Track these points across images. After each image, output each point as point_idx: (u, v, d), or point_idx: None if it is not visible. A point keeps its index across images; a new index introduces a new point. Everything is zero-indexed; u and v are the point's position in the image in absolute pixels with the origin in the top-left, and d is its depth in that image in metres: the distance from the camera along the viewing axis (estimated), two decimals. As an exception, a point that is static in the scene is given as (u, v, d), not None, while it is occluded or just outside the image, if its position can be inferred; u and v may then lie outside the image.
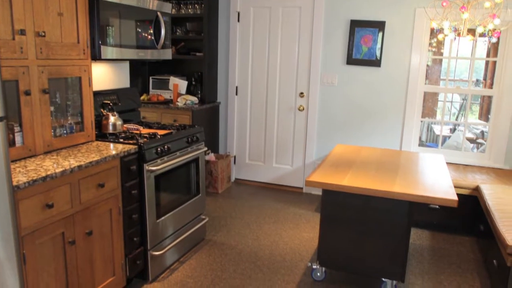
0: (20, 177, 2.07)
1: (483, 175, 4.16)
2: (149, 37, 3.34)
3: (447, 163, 4.51)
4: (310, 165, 5.16)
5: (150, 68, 5.50)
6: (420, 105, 4.72)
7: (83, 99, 2.85)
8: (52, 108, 2.63)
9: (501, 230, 2.93)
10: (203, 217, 3.76)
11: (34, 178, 2.08)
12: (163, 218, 3.15)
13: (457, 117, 7.62)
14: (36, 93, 2.45)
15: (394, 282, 2.97)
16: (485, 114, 6.98)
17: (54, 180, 2.20)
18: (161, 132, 3.27)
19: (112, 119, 3.13)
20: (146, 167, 2.88)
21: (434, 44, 5.99)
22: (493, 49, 5.20)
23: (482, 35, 3.48)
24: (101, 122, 3.13)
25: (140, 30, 3.23)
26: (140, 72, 5.37)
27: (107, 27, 2.90)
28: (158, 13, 3.36)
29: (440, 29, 3.52)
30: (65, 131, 2.76)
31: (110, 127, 3.12)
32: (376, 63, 4.67)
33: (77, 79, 2.80)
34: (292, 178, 5.32)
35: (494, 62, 4.55)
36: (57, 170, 2.22)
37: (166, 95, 5.21)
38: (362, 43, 4.67)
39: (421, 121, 4.84)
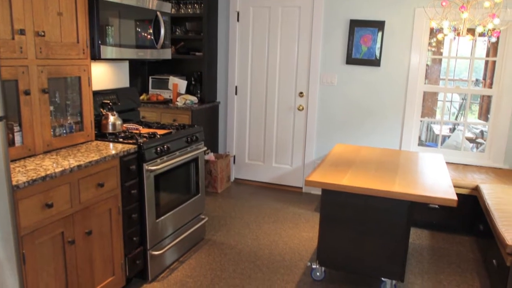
0: (19, 177, 2.07)
1: (483, 175, 4.16)
2: (149, 36, 3.34)
3: (446, 162, 4.51)
4: (309, 165, 5.16)
5: (150, 67, 5.50)
6: (420, 105, 4.73)
7: (82, 98, 2.84)
8: (51, 108, 2.63)
9: (500, 230, 2.93)
10: (203, 216, 3.76)
11: (34, 177, 2.08)
12: (162, 217, 3.14)
13: (456, 116, 7.63)
14: (36, 92, 2.45)
15: (394, 281, 2.98)
16: (484, 113, 6.99)
17: (53, 179, 2.20)
18: (160, 131, 3.27)
19: (111, 118, 3.13)
20: (146, 166, 2.88)
21: (434, 44, 5.99)
22: (493, 49, 5.20)
23: (481, 34, 3.48)
24: (100, 121, 3.13)
25: (139, 30, 3.23)
26: (140, 71, 5.37)
27: (107, 27, 2.90)
28: (158, 13, 3.36)
29: (440, 28, 3.52)
30: (64, 131, 2.76)
31: (110, 127, 3.12)
32: (376, 62, 4.67)
33: (76, 78, 2.80)
34: (292, 177, 5.32)
35: (494, 62, 4.56)
36: (56, 170, 2.21)
37: (165, 94, 5.21)
38: (361, 42, 4.67)
39: (421, 121, 4.84)
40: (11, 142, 2.34)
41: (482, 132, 6.60)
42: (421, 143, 5.94)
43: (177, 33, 5.25)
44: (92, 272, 2.58)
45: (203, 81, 5.19)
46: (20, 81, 2.34)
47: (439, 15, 3.76)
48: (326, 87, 4.95)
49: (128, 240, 2.85)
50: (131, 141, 2.92)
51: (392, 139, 4.79)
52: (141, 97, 5.12)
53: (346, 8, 4.70)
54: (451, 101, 7.76)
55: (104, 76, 3.45)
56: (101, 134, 3.09)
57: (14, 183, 1.97)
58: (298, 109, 5.10)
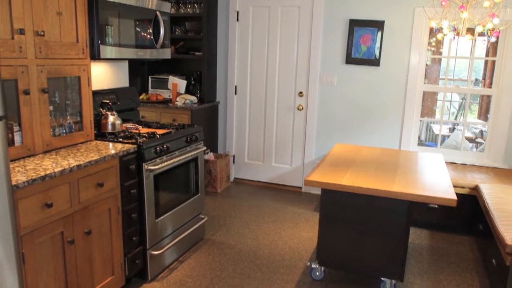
0: (19, 177, 2.06)
1: (482, 175, 4.17)
2: (148, 36, 3.34)
3: (446, 162, 4.51)
4: (309, 165, 5.16)
5: (149, 67, 5.50)
6: (419, 105, 4.73)
7: (82, 98, 2.84)
8: (51, 108, 2.63)
9: (500, 230, 2.93)
10: (202, 216, 3.76)
11: (33, 177, 2.08)
12: (162, 217, 3.14)
13: (456, 116, 7.63)
14: (35, 92, 2.45)
15: (393, 281, 2.98)
16: (484, 113, 6.99)
17: (53, 179, 2.20)
18: (160, 131, 3.27)
19: (111, 118, 3.13)
20: (145, 166, 2.88)
21: (433, 44, 5.99)
22: (492, 49, 5.20)
23: (481, 34, 3.48)
24: (100, 121, 3.13)
25: (139, 30, 3.23)
26: (139, 71, 5.37)
27: (106, 27, 2.89)
28: (157, 13, 3.35)
29: (439, 28, 3.52)
30: (64, 131, 2.75)
31: (109, 127, 3.12)
32: (375, 62, 4.67)
33: (76, 78, 2.80)
34: (291, 177, 5.32)
35: (493, 62, 4.56)
36: (56, 170, 2.21)
37: (165, 94, 5.21)
38: (361, 42, 4.67)
39: (420, 121, 4.84)
40: (10, 142, 2.34)
41: (481, 131, 6.61)
42: (420, 143, 5.94)
43: (176, 32, 5.25)
44: (91, 272, 2.58)
45: (203, 80, 5.19)
46: (19, 80, 2.34)
47: (438, 15, 3.76)
48: (325, 86, 4.95)
49: (127, 240, 2.85)
50: (130, 141, 2.92)
51: (392, 139, 4.79)
52: (141, 97, 5.12)
53: (346, 7, 4.70)
54: (450, 101, 7.77)
55: (103, 75, 3.45)
56: (101, 134, 3.09)
57: (13, 182, 1.97)
58: (298, 109, 5.10)
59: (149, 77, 5.35)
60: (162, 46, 3.47)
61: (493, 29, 3.38)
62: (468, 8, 3.28)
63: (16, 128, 2.36)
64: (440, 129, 5.00)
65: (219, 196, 4.95)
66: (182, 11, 5.17)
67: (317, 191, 5.11)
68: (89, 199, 2.48)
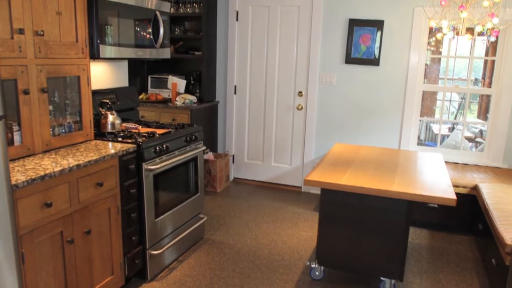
0: (18, 176, 2.06)
1: (482, 174, 4.17)
2: (148, 36, 3.34)
3: (445, 162, 4.51)
4: (308, 164, 5.16)
5: (149, 67, 5.50)
6: (419, 104, 4.73)
7: (81, 98, 2.84)
8: (50, 107, 2.63)
9: (499, 229, 2.93)
10: (202, 216, 3.77)
11: (33, 177, 2.08)
12: (161, 217, 3.14)
13: (455, 116, 7.63)
14: (35, 92, 2.45)
15: (393, 281, 2.98)
16: (483, 113, 6.99)
17: (52, 179, 2.20)
18: (159, 131, 3.27)
19: (110, 118, 3.13)
20: (145, 166, 2.88)
21: (433, 43, 5.99)
22: (492, 48, 5.20)
23: (480, 34, 3.48)
24: (99, 121, 3.13)
25: (138, 29, 3.23)
26: (139, 71, 5.37)
27: (106, 26, 2.89)
28: (157, 12, 3.35)
29: (439, 28, 3.52)
30: (63, 130, 2.75)
31: (109, 126, 3.12)
32: (375, 62, 4.67)
33: (75, 78, 2.80)
34: (291, 177, 5.32)
35: (493, 61, 4.56)
36: (55, 169, 2.21)
37: (164, 94, 5.21)
38: (360, 42, 4.67)
39: (420, 120, 4.84)
40: (10, 142, 2.34)
41: (481, 131, 6.61)
42: (420, 143, 5.95)
43: (176, 32, 5.24)
44: (91, 272, 2.58)
45: (202, 80, 5.19)
46: (19, 80, 2.34)
47: (438, 15, 3.76)
48: (325, 86, 4.95)
49: (127, 240, 2.85)
50: (130, 141, 2.92)
51: (391, 138, 4.80)
52: (140, 97, 5.12)
53: (345, 7, 4.70)
54: (450, 101, 7.77)
55: (103, 75, 3.45)
56: (100, 133, 3.09)
57: (13, 182, 1.97)
58: (297, 109, 5.11)
59: (149, 76, 5.35)
60: (162, 46, 3.47)
61: (492, 28, 3.38)
62: (467, 7, 3.28)
63: (15, 127, 2.36)
64: (439, 129, 5.00)
65: (218, 196, 4.95)
66: (181, 10, 5.17)
67: (317, 190, 5.12)
68: (89, 199, 2.48)
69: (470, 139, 6.53)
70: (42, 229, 2.18)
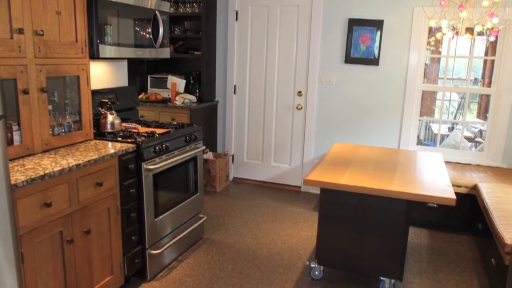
0: (18, 176, 2.06)
1: (481, 174, 4.17)
2: (147, 35, 3.33)
3: (445, 161, 4.52)
4: (308, 164, 5.17)
5: (148, 66, 5.50)
6: (418, 104, 4.73)
7: (81, 98, 2.84)
8: (50, 107, 2.63)
9: (499, 229, 2.93)
10: (201, 215, 3.77)
11: (32, 177, 2.07)
12: (161, 216, 3.14)
13: (455, 115, 7.64)
14: (34, 92, 2.45)
15: (392, 280, 2.98)
16: (483, 112, 7.00)
17: (52, 179, 2.20)
18: (159, 131, 3.27)
19: (110, 118, 3.13)
20: (144, 165, 2.88)
21: (432, 43, 5.99)
22: (491, 48, 5.20)
23: (480, 33, 3.48)
24: (99, 121, 3.13)
25: (138, 29, 3.23)
26: (138, 70, 5.36)
27: (105, 26, 2.89)
28: (156, 12, 3.35)
29: (438, 27, 3.52)
30: (63, 130, 2.75)
31: (108, 126, 3.12)
32: (374, 62, 4.67)
33: (75, 78, 2.80)
34: (290, 177, 5.32)
35: (492, 61, 4.56)
36: (55, 169, 2.21)
37: (164, 93, 5.21)
38: (360, 42, 4.68)
39: (419, 120, 4.84)
40: (9, 141, 2.34)
41: (480, 131, 6.61)
42: (419, 142, 5.95)
43: (175, 32, 5.24)
44: (90, 271, 2.58)
45: (202, 80, 5.19)
46: (18, 80, 2.34)
47: (437, 14, 3.76)
48: (324, 86, 4.95)
49: (126, 239, 2.85)
50: (129, 140, 2.92)
51: (391, 138, 4.80)
52: (140, 96, 5.12)
53: (345, 7, 4.70)
54: (449, 100, 7.78)
55: (102, 75, 3.45)
56: (100, 133, 3.09)
57: (12, 182, 1.97)
58: (297, 108, 5.11)
59: (148, 76, 5.35)
60: (161, 46, 3.47)
61: (492, 28, 3.38)
62: (467, 7, 3.28)
63: (15, 127, 2.36)
64: (439, 129, 5.00)
65: (218, 196, 4.95)
66: (181, 10, 5.17)
67: (316, 190, 5.12)
68: (88, 199, 2.48)
69: (469, 139, 6.53)
70: (42, 229, 2.18)
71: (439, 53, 6.27)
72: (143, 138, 2.98)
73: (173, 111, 4.89)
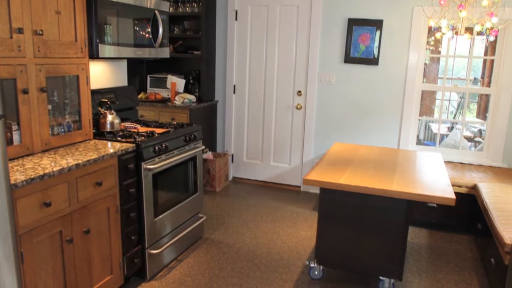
0: (17, 176, 2.06)
1: (481, 174, 4.17)
2: (147, 35, 3.33)
3: (444, 161, 4.52)
4: (307, 164, 5.17)
5: (148, 66, 5.50)
6: (418, 104, 4.73)
7: (80, 97, 2.84)
8: (49, 107, 2.63)
9: (498, 229, 2.94)
10: (201, 215, 3.77)
11: (32, 176, 2.07)
12: (160, 216, 3.14)
13: (455, 115, 7.64)
14: (34, 91, 2.44)
15: (392, 280, 2.98)
16: (482, 112, 7.00)
17: (51, 178, 2.20)
18: (158, 130, 3.27)
19: (109, 117, 3.13)
20: (144, 165, 2.88)
21: (432, 43, 6.00)
22: (491, 48, 5.20)
23: (479, 33, 3.49)
24: (98, 120, 3.13)
25: (137, 29, 3.22)
26: (138, 70, 5.36)
27: (105, 26, 2.89)
28: (156, 12, 3.35)
29: (438, 27, 3.52)
30: (62, 130, 2.75)
31: (108, 126, 3.12)
32: (374, 61, 4.67)
33: (74, 77, 2.80)
34: (290, 176, 5.32)
35: (492, 61, 4.56)
36: (54, 169, 2.21)
37: (163, 93, 5.21)
38: (359, 41, 4.68)
39: (419, 120, 4.84)
40: (9, 141, 2.34)
41: (480, 131, 6.62)
42: (419, 142, 5.95)
43: (175, 31, 5.24)
44: (90, 271, 2.58)
45: (201, 80, 5.19)
46: (18, 80, 2.34)
47: (437, 14, 3.76)
48: (324, 86, 4.95)
49: (126, 239, 2.84)
50: (129, 140, 2.92)
51: (390, 138, 4.80)
52: (139, 96, 5.11)
53: (344, 7, 4.70)
54: (449, 100, 7.78)
55: (102, 74, 3.45)
56: (99, 133, 3.09)
57: (12, 182, 1.97)
58: (296, 108, 5.11)
59: (148, 76, 5.35)
60: (161, 45, 3.47)
61: (491, 28, 3.38)
62: (466, 7, 3.28)
63: (14, 127, 2.36)
64: (438, 128, 5.00)
65: (217, 195, 4.95)
66: (180, 10, 5.17)
67: (316, 190, 5.12)
68: (88, 198, 2.48)
69: (469, 139, 6.54)
70: (41, 229, 2.18)
71: (439, 52, 6.28)
72: (143, 138, 2.98)
73: (173, 110, 4.89)
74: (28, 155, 2.45)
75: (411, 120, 4.68)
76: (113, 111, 3.18)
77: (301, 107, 5.08)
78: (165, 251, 3.24)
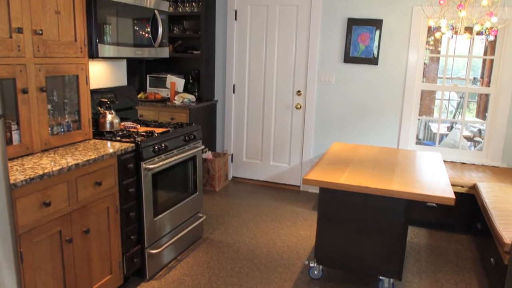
0: (17, 175, 2.06)
1: (480, 173, 4.17)
2: (147, 35, 3.33)
3: (444, 161, 4.52)
4: (307, 163, 5.17)
5: (147, 66, 5.49)
6: (418, 103, 4.73)
7: (80, 97, 2.84)
8: (49, 106, 2.63)
9: (498, 228, 2.94)
10: (201, 215, 3.76)
11: (32, 176, 2.07)
12: (160, 216, 3.14)
13: (454, 115, 7.64)
14: (33, 91, 2.44)
15: (391, 280, 2.98)
16: (482, 112, 7.00)
17: (51, 178, 2.20)
18: (158, 130, 3.26)
19: (109, 117, 3.13)
20: (143, 165, 2.88)
21: (432, 42, 6.00)
22: (490, 47, 5.21)
23: (479, 33, 3.48)
24: (98, 120, 3.13)
25: (137, 28, 3.22)
26: (137, 70, 5.36)
27: (105, 25, 2.89)
28: (155, 11, 3.35)
29: (438, 27, 3.52)
30: (62, 129, 2.75)
31: (107, 125, 3.12)
32: (373, 61, 4.67)
33: (74, 77, 2.80)
34: (290, 176, 5.32)
35: (492, 60, 4.56)
36: (54, 168, 2.21)
37: (163, 93, 5.21)
38: (359, 41, 4.68)
39: (418, 119, 4.84)
40: (8, 141, 2.33)
41: (480, 130, 6.62)
42: (419, 142, 5.95)
43: (174, 31, 5.24)
44: (89, 271, 2.58)
45: (201, 79, 5.19)
46: (18, 79, 2.33)
47: (436, 14, 3.76)
48: (323, 85, 4.95)
49: (125, 239, 2.84)
50: (128, 140, 2.92)
51: (390, 137, 4.80)
52: (139, 96, 5.11)
53: (344, 6, 4.70)
54: (449, 100, 7.78)
55: (101, 74, 3.44)
56: (99, 132, 3.09)
57: (12, 181, 1.97)
58: (296, 108, 5.11)
59: (147, 75, 5.35)
60: (160, 45, 3.47)
61: (491, 27, 3.38)
62: (466, 6, 3.28)
63: (14, 127, 2.36)
64: (438, 128, 5.01)
65: (217, 195, 4.95)
66: (180, 9, 5.16)
67: (315, 189, 5.12)
68: (87, 198, 2.48)
69: (468, 138, 6.54)
70: (41, 228, 2.18)
71: (438, 52, 6.28)
72: (142, 137, 2.98)
73: (172, 110, 4.89)
74: (27, 155, 2.45)
75: (410, 120, 4.68)
76: (112, 111, 3.18)
77: (300, 107, 5.08)
78: (164, 250, 3.24)
